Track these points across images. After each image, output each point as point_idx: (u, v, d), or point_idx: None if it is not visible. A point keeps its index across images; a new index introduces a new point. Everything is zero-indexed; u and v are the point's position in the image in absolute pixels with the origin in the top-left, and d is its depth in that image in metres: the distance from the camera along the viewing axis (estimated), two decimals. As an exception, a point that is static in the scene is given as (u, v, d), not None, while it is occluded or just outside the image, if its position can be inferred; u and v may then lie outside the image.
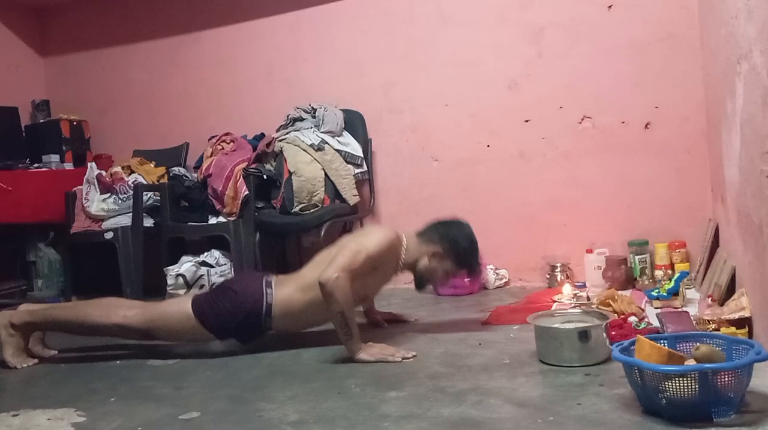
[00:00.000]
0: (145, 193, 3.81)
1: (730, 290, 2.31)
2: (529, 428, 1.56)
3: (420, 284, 2.55)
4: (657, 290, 2.72)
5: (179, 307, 2.46)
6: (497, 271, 3.44)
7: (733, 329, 2.01)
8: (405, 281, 3.66)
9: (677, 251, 3.12)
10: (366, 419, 1.70)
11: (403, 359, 2.21)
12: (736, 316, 2.04)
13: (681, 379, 1.47)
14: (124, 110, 4.49)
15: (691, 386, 1.46)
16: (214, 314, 2.39)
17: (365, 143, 3.73)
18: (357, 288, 2.28)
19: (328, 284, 2.18)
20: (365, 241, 2.35)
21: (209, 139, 3.93)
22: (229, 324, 2.40)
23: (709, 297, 2.42)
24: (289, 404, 1.87)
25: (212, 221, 3.65)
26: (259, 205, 3.59)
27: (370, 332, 2.60)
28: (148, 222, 3.82)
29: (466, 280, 3.26)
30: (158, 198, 3.84)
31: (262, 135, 3.86)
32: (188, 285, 3.44)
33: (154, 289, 3.57)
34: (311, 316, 2.43)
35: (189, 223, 3.71)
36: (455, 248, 2.47)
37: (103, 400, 2.05)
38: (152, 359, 2.49)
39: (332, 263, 2.24)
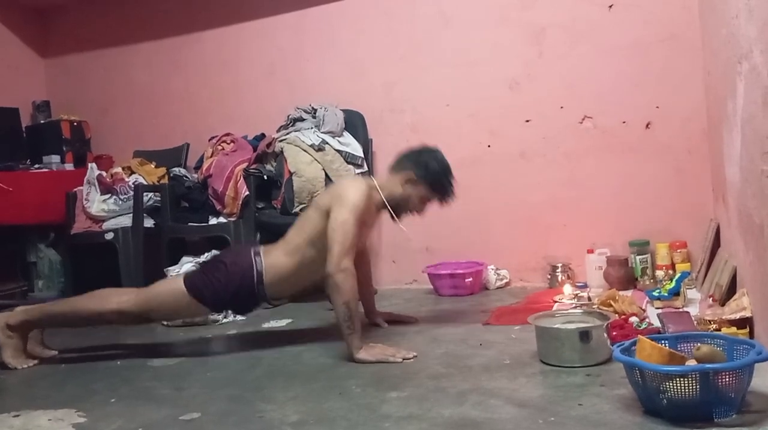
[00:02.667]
0: (145, 193, 3.81)
1: (731, 290, 2.31)
2: (529, 429, 1.56)
3: (396, 213, 2.54)
4: (658, 290, 2.71)
5: (173, 286, 2.48)
6: (498, 271, 3.44)
7: (734, 329, 2.01)
8: (405, 281, 3.68)
9: (678, 251, 3.11)
10: (367, 419, 1.70)
11: (403, 359, 2.20)
12: (737, 316, 2.04)
13: (682, 379, 1.47)
14: (124, 111, 4.50)
15: (692, 386, 1.46)
16: (208, 288, 2.42)
17: (366, 143, 3.73)
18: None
19: (336, 277, 2.21)
20: (344, 207, 2.31)
21: (209, 140, 3.93)
22: (224, 296, 2.43)
23: (710, 297, 2.42)
24: (290, 404, 1.87)
25: (212, 221, 3.65)
26: (259, 206, 3.59)
27: (371, 332, 2.60)
28: (149, 223, 3.82)
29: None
30: (158, 199, 3.84)
31: (263, 135, 3.85)
32: (189, 285, 3.44)
33: (155, 289, 3.57)
34: (302, 278, 2.48)
35: (189, 223, 3.71)
36: (427, 170, 2.48)
37: (103, 401, 2.04)
38: (153, 359, 2.49)
39: (331, 252, 2.25)
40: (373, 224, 2.56)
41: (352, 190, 2.38)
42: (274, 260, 2.45)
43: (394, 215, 2.53)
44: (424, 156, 2.51)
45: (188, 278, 2.47)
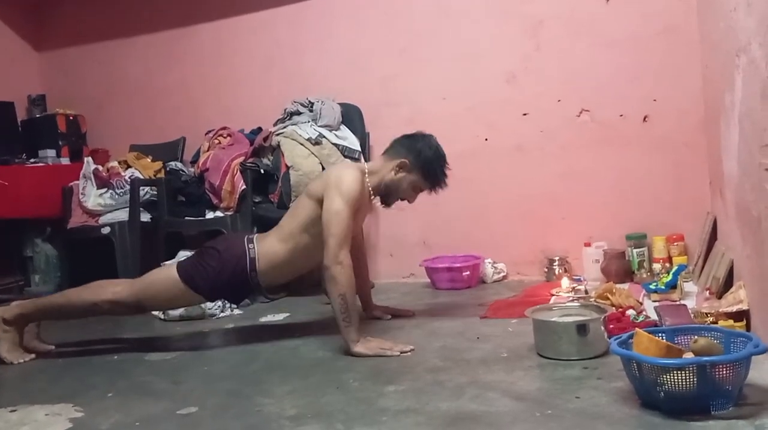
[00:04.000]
0: (141, 187, 3.79)
1: (728, 283, 2.31)
2: (527, 422, 1.56)
3: (387, 199, 2.53)
4: (655, 283, 2.71)
5: (166, 274, 2.48)
6: (495, 265, 3.44)
7: (730, 321, 2.01)
8: (403, 274, 3.68)
9: (675, 244, 3.12)
10: (364, 413, 1.70)
11: (401, 353, 2.20)
12: (734, 309, 2.04)
13: (679, 372, 1.47)
14: (120, 105, 4.47)
15: (690, 379, 1.46)
16: (201, 275, 2.41)
17: (363, 137, 3.71)
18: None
19: (332, 269, 2.20)
20: (338, 198, 2.29)
21: (206, 134, 3.92)
22: (217, 283, 2.42)
23: (707, 290, 2.42)
24: (288, 398, 1.87)
25: (209, 215, 3.64)
26: (256, 200, 3.58)
27: (368, 325, 2.60)
28: (145, 217, 3.80)
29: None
30: (155, 193, 3.82)
31: (260, 129, 3.84)
32: (186, 280, 3.43)
33: (152, 284, 3.56)
34: (296, 265, 2.47)
35: (186, 217, 3.70)
36: (420, 157, 2.46)
37: (100, 395, 2.04)
38: (150, 353, 2.49)
39: (328, 245, 2.24)
40: (367, 210, 2.54)
41: (345, 177, 2.35)
42: (267, 247, 2.44)
43: (384, 201, 2.53)
44: (418, 143, 2.49)
45: (181, 266, 2.46)
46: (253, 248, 2.43)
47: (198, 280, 2.42)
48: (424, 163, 2.46)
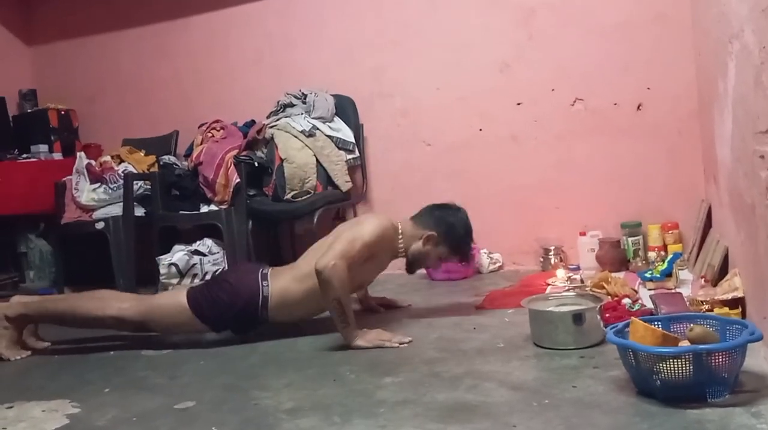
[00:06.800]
0: (135, 182, 3.77)
1: (723, 270, 2.32)
2: (524, 412, 1.56)
3: (412, 267, 2.57)
4: (650, 272, 2.72)
5: (174, 299, 2.45)
6: (491, 255, 3.44)
7: (726, 309, 2.02)
8: (398, 266, 3.66)
9: (670, 232, 3.12)
10: (362, 405, 1.70)
11: (399, 344, 2.21)
12: (729, 296, 2.05)
13: (675, 360, 1.48)
14: (112, 99, 4.44)
15: (686, 367, 1.47)
16: (210, 306, 2.38)
17: (357, 129, 3.70)
18: (353, 276, 2.28)
19: (325, 272, 2.18)
20: (361, 229, 2.34)
21: (199, 127, 3.89)
22: (225, 316, 2.39)
23: (702, 278, 2.43)
24: (285, 391, 1.87)
25: (204, 209, 3.62)
26: (250, 193, 3.57)
27: (365, 318, 2.60)
28: (139, 211, 3.79)
29: (460, 264, 3.25)
30: (149, 187, 3.81)
31: (253, 122, 3.83)
32: (181, 274, 3.43)
33: (147, 278, 3.56)
34: (307, 306, 2.43)
35: (180, 212, 3.68)
36: (451, 233, 2.47)
37: (97, 391, 2.04)
38: (146, 349, 2.49)
39: (329, 250, 2.24)
40: (383, 264, 2.53)
41: (372, 222, 2.39)
42: (282, 285, 2.39)
43: (409, 269, 2.57)
44: (449, 217, 2.50)
45: (191, 293, 2.43)
46: (267, 286, 2.39)
47: (206, 310, 2.39)
48: (453, 239, 2.49)
